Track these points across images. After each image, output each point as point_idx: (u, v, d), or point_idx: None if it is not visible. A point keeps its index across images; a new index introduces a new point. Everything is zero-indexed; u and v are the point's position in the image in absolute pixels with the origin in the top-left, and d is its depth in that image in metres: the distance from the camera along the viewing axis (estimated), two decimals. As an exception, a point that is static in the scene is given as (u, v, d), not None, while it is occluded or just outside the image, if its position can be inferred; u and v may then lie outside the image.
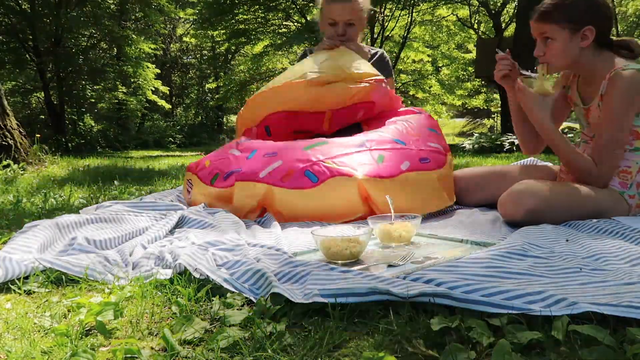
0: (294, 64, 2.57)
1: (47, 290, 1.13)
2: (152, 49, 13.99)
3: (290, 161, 1.86)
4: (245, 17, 11.80)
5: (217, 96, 17.13)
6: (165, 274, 1.17)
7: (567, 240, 1.39)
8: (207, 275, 1.12)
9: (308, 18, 11.83)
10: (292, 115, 2.32)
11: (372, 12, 2.74)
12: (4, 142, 3.96)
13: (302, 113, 2.31)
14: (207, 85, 19.63)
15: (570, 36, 1.71)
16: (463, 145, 7.68)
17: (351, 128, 2.41)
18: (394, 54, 13.40)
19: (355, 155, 1.90)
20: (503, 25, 12.06)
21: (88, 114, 13.75)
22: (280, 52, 13.59)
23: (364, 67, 2.30)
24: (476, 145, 7.31)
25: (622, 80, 1.65)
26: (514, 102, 1.95)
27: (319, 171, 1.81)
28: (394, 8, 11.52)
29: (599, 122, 1.74)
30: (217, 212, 1.80)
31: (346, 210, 1.81)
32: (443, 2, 11.70)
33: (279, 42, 12.02)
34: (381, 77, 2.32)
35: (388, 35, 12.92)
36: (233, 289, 1.07)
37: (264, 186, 1.82)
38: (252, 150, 2.01)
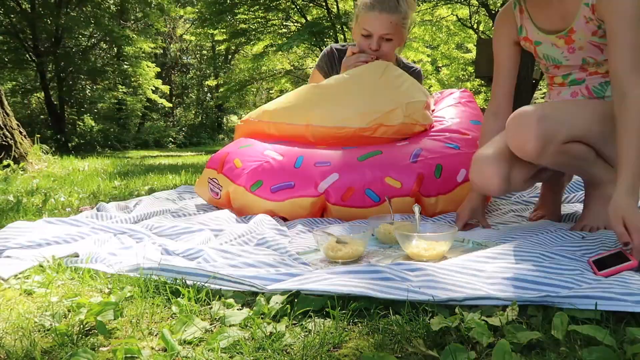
0: (317, 64, 2.31)
1: (47, 290, 1.13)
2: (151, 48, 14.00)
3: (349, 176, 1.79)
4: (245, 16, 11.79)
5: (217, 94, 17.06)
6: None
7: (583, 238, 1.37)
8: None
9: (308, 18, 11.83)
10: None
11: (413, 24, 2.36)
12: (4, 142, 3.96)
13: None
14: (207, 83, 19.57)
15: None
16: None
17: None
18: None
19: (413, 168, 1.81)
20: (503, 25, 12.05)
21: (88, 114, 13.77)
22: (280, 53, 13.56)
23: (417, 112, 1.96)
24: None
25: None
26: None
27: (380, 190, 1.77)
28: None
29: (615, 29, 1.33)
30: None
31: None
32: (443, 2, 11.69)
33: (279, 42, 12.00)
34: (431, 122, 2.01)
35: (388, 35, 12.87)
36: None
37: (322, 200, 1.79)
38: (297, 157, 1.88)
